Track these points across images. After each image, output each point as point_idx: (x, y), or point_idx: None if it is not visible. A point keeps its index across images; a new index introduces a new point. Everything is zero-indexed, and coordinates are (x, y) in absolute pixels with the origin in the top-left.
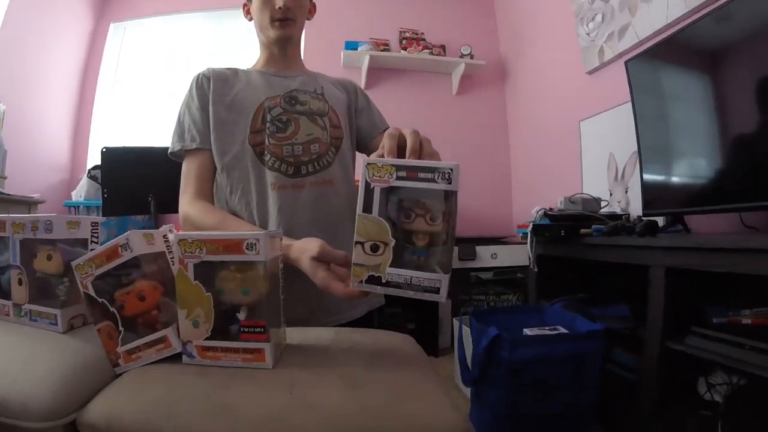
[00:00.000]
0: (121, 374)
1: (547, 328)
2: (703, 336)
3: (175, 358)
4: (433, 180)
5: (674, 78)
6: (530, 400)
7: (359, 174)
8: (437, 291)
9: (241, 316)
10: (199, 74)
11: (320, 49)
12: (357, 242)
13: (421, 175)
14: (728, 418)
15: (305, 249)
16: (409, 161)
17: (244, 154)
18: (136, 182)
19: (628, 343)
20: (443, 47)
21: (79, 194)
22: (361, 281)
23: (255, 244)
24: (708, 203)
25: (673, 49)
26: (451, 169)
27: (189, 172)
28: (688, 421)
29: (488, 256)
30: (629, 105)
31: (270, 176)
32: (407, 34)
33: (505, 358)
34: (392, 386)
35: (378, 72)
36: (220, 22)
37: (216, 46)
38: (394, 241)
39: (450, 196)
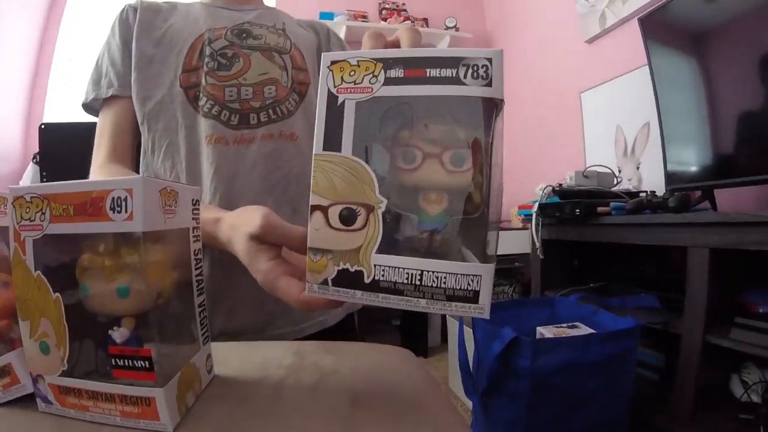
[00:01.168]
0: None
1: (565, 325)
2: (751, 328)
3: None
4: (456, 80)
5: (699, 32)
6: (551, 417)
7: None
8: (474, 298)
9: (118, 335)
10: (124, 6)
11: None
12: (314, 207)
13: (433, 72)
14: None
15: (240, 223)
16: (408, 50)
17: (173, 100)
18: (78, 162)
19: (653, 338)
20: (425, 20)
21: (25, 182)
22: (325, 282)
23: (126, 200)
24: (754, 173)
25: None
26: (490, 60)
27: (103, 127)
28: (726, 427)
29: None
30: (636, 73)
31: (205, 126)
32: (387, 5)
33: (525, 367)
34: None
35: (356, 46)
36: None
37: None
38: (385, 202)
39: (492, 112)
